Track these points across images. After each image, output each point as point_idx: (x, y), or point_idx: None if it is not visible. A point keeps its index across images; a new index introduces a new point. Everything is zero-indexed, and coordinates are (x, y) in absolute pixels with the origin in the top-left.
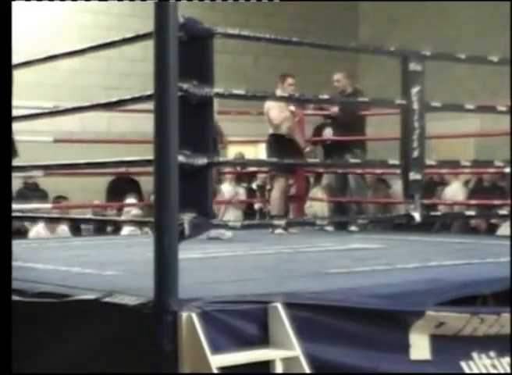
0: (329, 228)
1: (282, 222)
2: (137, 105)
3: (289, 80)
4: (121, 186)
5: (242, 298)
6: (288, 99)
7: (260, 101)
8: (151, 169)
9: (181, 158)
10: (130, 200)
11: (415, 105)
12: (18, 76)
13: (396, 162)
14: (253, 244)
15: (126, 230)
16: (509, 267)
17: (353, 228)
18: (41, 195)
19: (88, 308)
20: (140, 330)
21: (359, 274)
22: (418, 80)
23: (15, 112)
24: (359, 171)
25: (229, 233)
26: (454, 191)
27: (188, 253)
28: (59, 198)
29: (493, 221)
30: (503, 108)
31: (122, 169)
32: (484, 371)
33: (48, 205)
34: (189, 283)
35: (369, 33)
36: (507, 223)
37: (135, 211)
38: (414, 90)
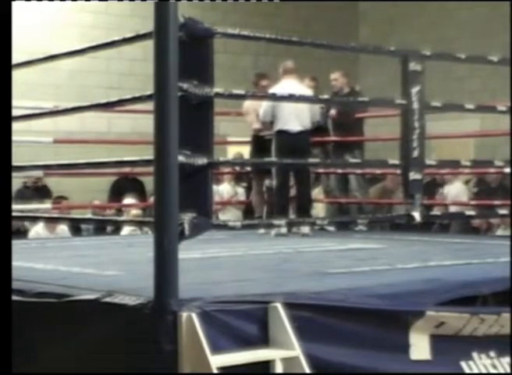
0: (331, 228)
1: (283, 222)
2: (137, 105)
3: (263, 83)
4: (124, 186)
5: (242, 298)
6: (287, 99)
7: (260, 101)
8: (151, 169)
9: (181, 158)
10: (129, 200)
11: (415, 105)
12: (18, 76)
13: (396, 162)
14: (253, 244)
15: (126, 230)
16: (509, 267)
17: (360, 227)
18: (42, 194)
19: (88, 308)
20: (140, 330)
21: (359, 274)
22: (418, 80)
23: (15, 112)
24: (359, 171)
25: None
26: (457, 191)
27: (188, 253)
28: (59, 198)
29: (494, 221)
30: (503, 108)
31: (126, 170)
32: (484, 371)
33: (48, 205)
34: (189, 283)
35: (369, 33)
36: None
37: (135, 211)
38: (414, 90)
